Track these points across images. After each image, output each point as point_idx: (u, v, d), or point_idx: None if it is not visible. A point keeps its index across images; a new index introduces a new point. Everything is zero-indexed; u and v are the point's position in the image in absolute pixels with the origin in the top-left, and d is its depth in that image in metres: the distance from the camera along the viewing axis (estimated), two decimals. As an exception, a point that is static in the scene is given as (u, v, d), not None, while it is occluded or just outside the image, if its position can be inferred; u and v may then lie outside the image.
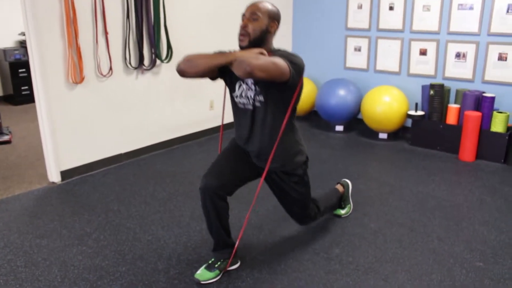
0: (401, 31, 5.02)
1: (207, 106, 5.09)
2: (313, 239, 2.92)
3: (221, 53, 2.19)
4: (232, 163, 2.46)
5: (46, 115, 3.69)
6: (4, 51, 6.59)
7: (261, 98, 2.30)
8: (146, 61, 4.35)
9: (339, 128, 5.34)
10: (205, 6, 4.81)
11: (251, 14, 2.24)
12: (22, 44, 6.83)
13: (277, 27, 2.33)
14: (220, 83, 2.67)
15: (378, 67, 5.28)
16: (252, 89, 2.31)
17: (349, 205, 3.27)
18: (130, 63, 4.21)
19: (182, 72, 2.24)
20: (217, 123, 5.19)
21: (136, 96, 4.35)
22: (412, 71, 5.04)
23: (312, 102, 5.58)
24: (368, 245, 2.86)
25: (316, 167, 4.12)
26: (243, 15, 2.28)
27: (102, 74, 4.02)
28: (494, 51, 4.45)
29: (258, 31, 2.23)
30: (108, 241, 2.92)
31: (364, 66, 5.40)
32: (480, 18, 4.47)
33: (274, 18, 2.30)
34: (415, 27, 4.91)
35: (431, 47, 4.85)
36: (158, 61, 4.45)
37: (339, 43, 5.57)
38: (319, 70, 5.80)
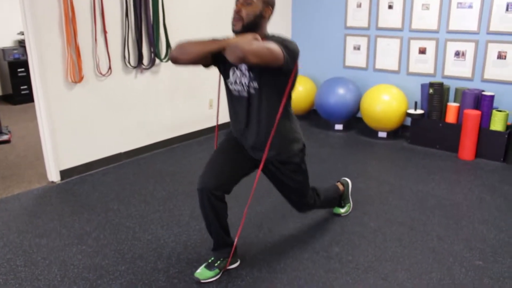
0: (400, 29, 5.02)
1: (207, 105, 5.09)
2: (313, 238, 2.92)
3: (214, 40, 2.15)
4: (228, 159, 2.43)
5: (45, 115, 3.69)
6: (3, 50, 6.59)
7: (255, 84, 2.26)
8: (145, 60, 4.35)
9: (339, 127, 5.34)
10: (205, 4, 4.81)
11: None
12: (21, 44, 6.82)
13: (272, 12, 2.29)
14: (217, 79, 2.67)
15: (378, 66, 5.28)
16: (246, 76, 2.28)
17: (348, 204, 3.26)
18: (129, 62, 4.21)
19: (175, 59, 2.19)
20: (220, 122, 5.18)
21: (135, 95, 4.35)
22: (411, 69, 5.04)
23: (311, 101, 5.57)
24: (367, 243, 2.86)
25: (315, 166, 4.12)
26: (237, 0, 2.23)
27: (101, 73, 4.01)
28: (493, 49, 4.45)
29: (252, 15, 2.19)
30: (107, 240, 2.92)
31: (363, 64, 5.40)
32: (479, 17, 4.47)
33: (269, 3, 2.25)
34: (414, 25, 4.91)
35: (430, 45, 4.85)
36: (157, 60, 4.45)
37: (338, 41, 5.56)
38: (318, 69, 5.80)
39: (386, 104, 4.76)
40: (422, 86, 4.74)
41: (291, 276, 2.53)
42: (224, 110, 2.74)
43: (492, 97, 4.25)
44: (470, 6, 4.51)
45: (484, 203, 3.42)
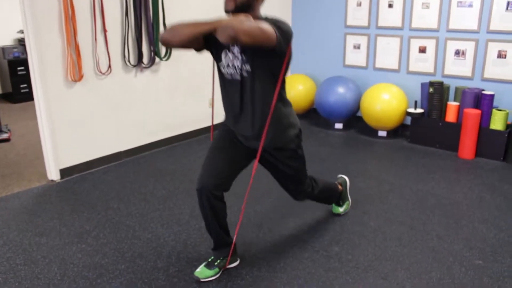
0: (400, 28, 5.01)
1: (207, 104, 5.09)
2: (313, 237, 2.92)
3: (205, 21, 2.10)
4: (225, 156, 2.40)
5: (45, 113, 3.69)
6: (3, 49, 6.58)
7: (248, 67, 2.21)
8: (145, 59, 4.34)
9: (339, 126, 5.33)
10: (205, 3, 4.81)
11: None
12: (21, 42, 6.82)
13: None
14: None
15: (378, 65, 5.28)
16: (238, 58, 2.22)
17: (347, 202, 3.24)
18: (129, 61, 4.20)
19: (166, 41, 2.13)
20: (217, 120, 5.18)
21: (135, 94, 4.35)
22: (411, 68, 5.03)
23: (311, 100, 5.57)
24: (367, 243, 2.86)
25: (315, 165, 4.12)
26: None
27: (101, 72, 4.01)
28: (493, 48, 4.44)
29: None
30: (107, 239, 2.92)
31: (363, 63, 5.39)
32: (479, 16, 4.46)
33: None
34: (414, 24, 4.90)
35: (430, 44, 4.84)
36: (157, 59, 4.45)
37: (338, 40, 5.56)
38: (318, 68, 5.80)
39: (386, 103, 4.75)
40: (422, 85, 4.74)
41: (291, 275, 2.53)
42: (220, 108, 2.64)
43: (492, 96, 4.25)
44: (470, 5, 4.50)
45: (484, 202, 3.42)
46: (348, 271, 2.56)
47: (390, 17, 5.06)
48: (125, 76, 4.23)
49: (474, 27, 4.51)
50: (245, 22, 1.93)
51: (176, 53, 4.57)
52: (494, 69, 4.47)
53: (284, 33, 2.08)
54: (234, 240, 2.53)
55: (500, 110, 4.24)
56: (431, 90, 4.59)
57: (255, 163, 2.42)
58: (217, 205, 2.37)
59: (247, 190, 2.52)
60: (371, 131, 5.15)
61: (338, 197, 3.13)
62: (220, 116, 2.71)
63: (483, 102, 4.30)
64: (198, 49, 2.33)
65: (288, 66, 2.28)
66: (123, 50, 4.15)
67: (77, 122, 3.92)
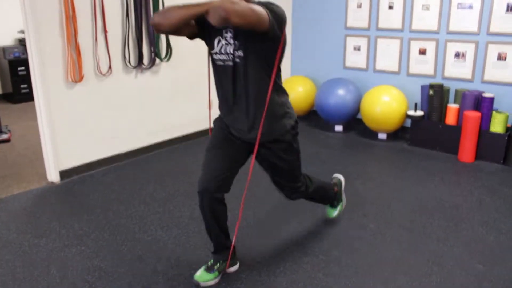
0: (401, 30, 5.01)
1: (207, 105, 5.09)
2: (312, 241, 2.92)
3: (197, 4, 2.06)
4: (223, 155, 2.37)
5: (45, 114, 3.68)
6: (4, 49, 6.58)
7: (240, 53, 2.16)
8: (146, 60, 4.34)
9: (339, 128, 5.33)
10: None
11: None
12: (22, 42, 6.82)
13: None
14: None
15: (378, 67, 5.27)
16: (231, 44, 2.17)
17: (341, 203, 3.11)
18: (129, 62, 4.20)
19: (157, 25, 2.07)
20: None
21: (135, 95, 4.35)
22: (411, 70, 5.03)
23: (311, 102, 5.57)
24: (367, 246, 2.86)
25: (315, 167, 4.12)
26: None
27: (101, 73, 4.01)
28: (493, 50, 4.44)
29: None
30: (107, 242, 2.91)
31: (364, 65, 5.39)
32: (479, 18, 4.46)
33: None
34: (415, 26, 4.90)
35: (430, 46, 4.84)
36: (157, 60, 4.44)
37: (338, 42, 5.56)
38: (318, 70, 5.80)
39: (386, 105, 4.75)
40: (422, 87, 4.74)
41: (291, 279, 2.53)
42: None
43: (492, 99, 4.25)
44: (470, 7, 4.50)
45: (484, 205, 3.42)
46: (348, 276, 2.55)
47: (390, 18, 5.06)
48: (125, 77, 4.22)
49: (474, 29, 4.51)
50: (236, 3, 1.88)
51: (176, 54, 4.57)
52: (494, 71, 4.47)
53: (277, 15, 2.04)
54: (233, 243, 2.53)
55: (500, 112, 4.23)
56: (431, 93, 4.58)
57: (253, 157, 2.39)
58: (218, 208, 2.37)
59: (245, 188, 2.52)
60: (371, 134, 5.14)
61: (333, 197, 3.03)
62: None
63: (483, 104, 4.29)
64: (191, 36, 2.28)
65: (283, 52, 2.23)
66: (123, 51, 4.14)
67: (77, 123, 3.92)
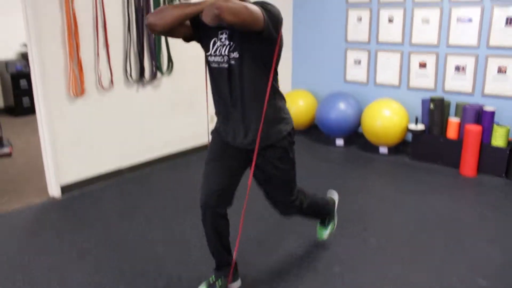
0: (401, 44, 5.03)
1: (208, 119, 5.09)
2: (314, 257, 2.90)
3: (192, 3, 2.04)
4: (222, 168, 2.33)
5: (46, 128, 3.69)
6: (6, 63, 6.61)
7: (235, 54, 2.12)
8: (147, 74, 4.36)
9: (339, 142, 5.32)
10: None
11: None
12: (24, 56, 6.86)
13: None
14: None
15: (378, 80, 5.29)
16: (226, 45, 2.14)
17: (333, 222, 2.98)
18: (130, 76, 4.22)
19: (152, 25, 2.05)
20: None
21: (136, 109, 4.35)
22: (412, 84, 5.04)
23: (312, 116, 5.57)
24: (369, 262, 2.84)
25: (315, 181, 4.11)
26: None
27: (103, 87, 4.02)
28: (493, 64, 4.45)
29: None
30: (107, 258, 2.90)
31: (364, 79, 5.41)
32: (479, 31, 4.48)
33: None
34: (415, 40, 4.92)
35: (430, 60, 4.86)
36: (158, 74, 4.46)
37: (339, 56, 5.58)
38: (319, 84, 5.81)
39: (387, 119, 4.75)
40: (423, 101, 4.74)
41: (293, 295, 2.50)
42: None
43: (493, 112, 4.25)
44: (470, 20, 4.52)
45: (486, 220, 3.40)
46: (350, 292, 2.53)
47: (390, 32, 5.09)
48: (127, 91, 4.23)
49: (474, 42, 4.53)
50: (230, 1, 1.85)
51: (177, 67, 4.59)
52: (495, 84, 4.47)
53: (272, 15, 2.01)
54: (234, 258, 2.51)
55: (501, 126, 4.23)
56: (431, 106, 4.59)
57: (251, 170, 2.33)
58: (220, 223, 2.36)
59: (244, 203, 2.51)
60: (372, 148, 5.14)
61: (327, 212, 2.90)
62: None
63: (484, 118, 4.30)
64: (186, 37, 2.26)
65: (280, 54, 2.19)
66: (125, 65, 4.16)
67: (78, 137, 3.92)
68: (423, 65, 4.93)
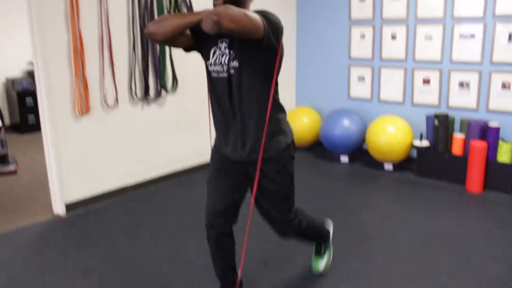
0: (404, 60, 5.05)
1: (213, 137, 5.09)
2: (320, 275, 2.87)
3: (192, 13, 2.03)
4: (225, 185, 2.30)
5: (52, 146, 3.71)
6: (13, 81, 6.68)
7: (235, 63, 2.09)
8: (152, 92, 4.39)
9: (344, 158, 5.31)
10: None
11: None
12: (30, 74, 6.93)
13: None
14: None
15: (382, 97, 5.30)
16: (225, 54, 2.11)
17: (329, 251, 2.90)
18: (135, 94, 4.25)
19: (152, 34, 2.04)
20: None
21: (141, 127, 4.37)
22: (416, 100, 5.05)
23: (317, 133, 5.57)
24: (375, 282, 2.81)
25: (320, 198, 4.10)
26: None
27: (108, 105, 4.05)
28: (497, 80, 4.46)
29: None
30: (112, 276, 2.88)
31: (368, 96, 5.42)
32: (482, 47, 4.50)
33: None
34: (418, 56, 4.94)
35: (434, 76, 4.87)
36: (163, 92, 4.49)
37: (342, 72, 5.61)
38: (323, 100, 5.83)
39: (392, 135, 4.75)
40: (427, 117, 4.74)
41: (298, 315, 2.48)
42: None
43: (498, 128, 4.24)
44: (473, 36, 4.54)
45: (493, 237, 3.37)
46: (356, 311, 2.51)
47: (394, 49, 5.11)
48: (131, 109, 4.26)
49: (477, 58, 4.54)
50: (229, 8, 1.84)
51: (182, 85, 4.62)
52: (499, 100, 4.47)
53: (272, 23, 1.98)
54: (239, 277, 2.49)
55: (506, 142, 4.21)
56: (436, 123, 4.59)
57: (256, 174, 2.24)
58: (225, 242, 2.34)
59: (248, 220, 2.49)
60: (377, 164, 5.12)
61: (325, 236, 2.82)
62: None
63: (489, 134, 4.29)
64: (187, 47, 2.25)
65: (280, 65, 2.17)
66: (130, 83, 4.19)
67: (83, 155, 3.94)
68: (426, 81, 4.94)
